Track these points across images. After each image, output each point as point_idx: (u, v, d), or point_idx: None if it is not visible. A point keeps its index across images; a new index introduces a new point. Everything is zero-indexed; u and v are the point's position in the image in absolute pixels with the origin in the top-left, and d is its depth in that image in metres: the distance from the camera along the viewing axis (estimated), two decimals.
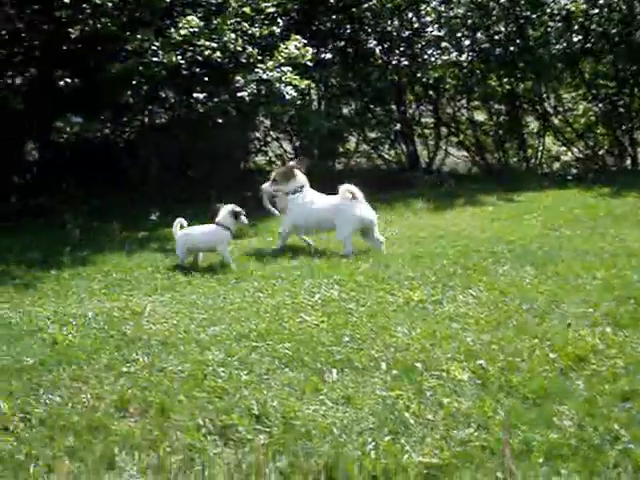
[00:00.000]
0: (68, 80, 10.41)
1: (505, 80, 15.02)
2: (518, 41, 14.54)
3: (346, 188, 8.16)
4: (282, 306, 6.04)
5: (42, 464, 3.64)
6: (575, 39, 14.60)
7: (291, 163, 9.01)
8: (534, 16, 14.55)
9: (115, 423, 4.03)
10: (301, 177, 8.57)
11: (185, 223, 7.73)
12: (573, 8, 14.14)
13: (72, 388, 4.50)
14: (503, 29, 14.78)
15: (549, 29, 14.60)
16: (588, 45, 14.50)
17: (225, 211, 7.80)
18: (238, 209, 7.86)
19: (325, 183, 12.55)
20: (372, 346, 5.00)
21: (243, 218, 7.90)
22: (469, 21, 14.69)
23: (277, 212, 8.81)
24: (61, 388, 4.51)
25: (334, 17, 14.42)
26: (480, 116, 15.80)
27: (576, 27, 14.51)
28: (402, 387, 4.31)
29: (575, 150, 15.50)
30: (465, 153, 15.97)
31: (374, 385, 4.39)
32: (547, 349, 4.81)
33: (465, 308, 5.80)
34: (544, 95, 15.31)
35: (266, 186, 8.69)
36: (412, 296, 6.14)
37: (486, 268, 7.08)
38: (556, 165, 15.63)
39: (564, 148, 15.63)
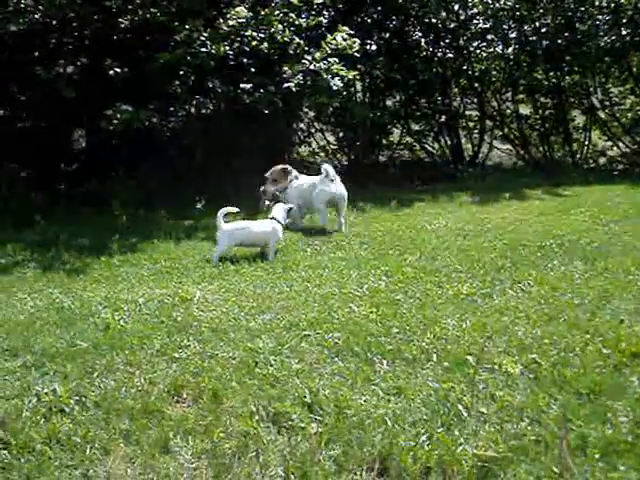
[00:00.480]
0: (118, 69, 10.53)
1: (551, 73, 14.90)
2: (566, 34, 14.35)
3: (324, 167, 9.07)
4: (330, 296, 6.06)
5: (98, 446, 3.70)
6: (624, 32, 14.31)
7: (280, 165, 9.64)
8: (582, 9, 14.34)
9: (169, 408, 4.09)
10: (293, 171, 9.49)
11: (234, 209, 7.69)
12: (622, 1, 13.85)
13: (126, 372, 4.57)
14: (550, 22, 14.58)
15: (597, 22, 14.36)
16: (637, 38, 14.17)
17: (280, 208, 8.02)
18: (291, 206, 8.22)
19: (367, 175, 12.70)
20: (422, 338, 4.99)
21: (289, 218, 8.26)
22: (516, 13, 14.54)
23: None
24: (115, 372, 4.58)
25: (380, 9, 14.37)
26: (525, 109, 15.64)
27: (625, 20, 14.23)
28: (454, 379, 4.29)
29: (621, 145, 15.26)
30: (509, 146, 15.85)
31: (425, 376, 4.38)
32: (600, 345, 4.76)
33: (515, 302, 5.75)
34: (591, 89, 15.09)
35: (267, 187, 9.41)
36: (461, 289, 6.12)
37: (535, 262, 7.04)
38: (602, 160, 15.44)
39: (610, 143, 15.41)
